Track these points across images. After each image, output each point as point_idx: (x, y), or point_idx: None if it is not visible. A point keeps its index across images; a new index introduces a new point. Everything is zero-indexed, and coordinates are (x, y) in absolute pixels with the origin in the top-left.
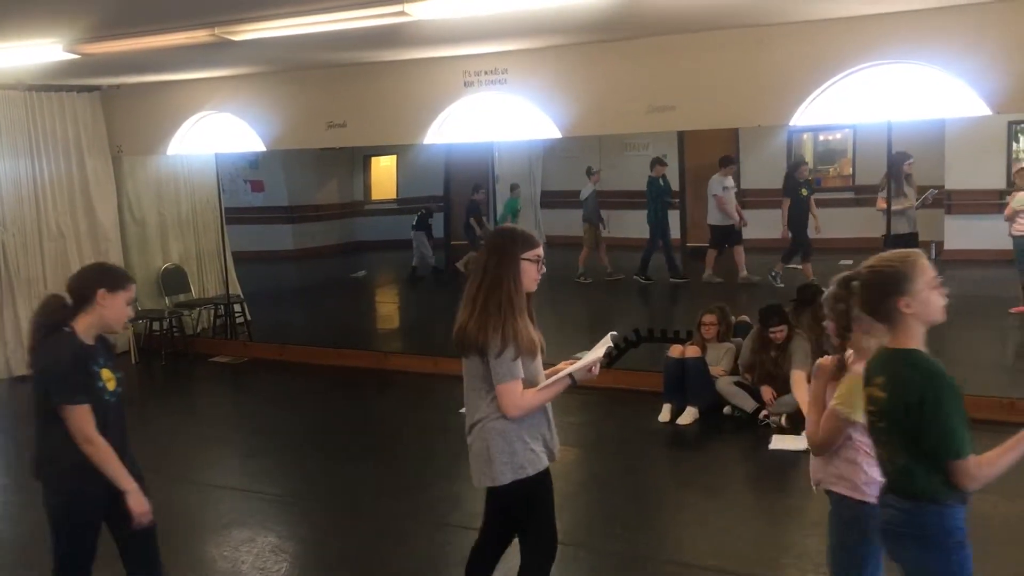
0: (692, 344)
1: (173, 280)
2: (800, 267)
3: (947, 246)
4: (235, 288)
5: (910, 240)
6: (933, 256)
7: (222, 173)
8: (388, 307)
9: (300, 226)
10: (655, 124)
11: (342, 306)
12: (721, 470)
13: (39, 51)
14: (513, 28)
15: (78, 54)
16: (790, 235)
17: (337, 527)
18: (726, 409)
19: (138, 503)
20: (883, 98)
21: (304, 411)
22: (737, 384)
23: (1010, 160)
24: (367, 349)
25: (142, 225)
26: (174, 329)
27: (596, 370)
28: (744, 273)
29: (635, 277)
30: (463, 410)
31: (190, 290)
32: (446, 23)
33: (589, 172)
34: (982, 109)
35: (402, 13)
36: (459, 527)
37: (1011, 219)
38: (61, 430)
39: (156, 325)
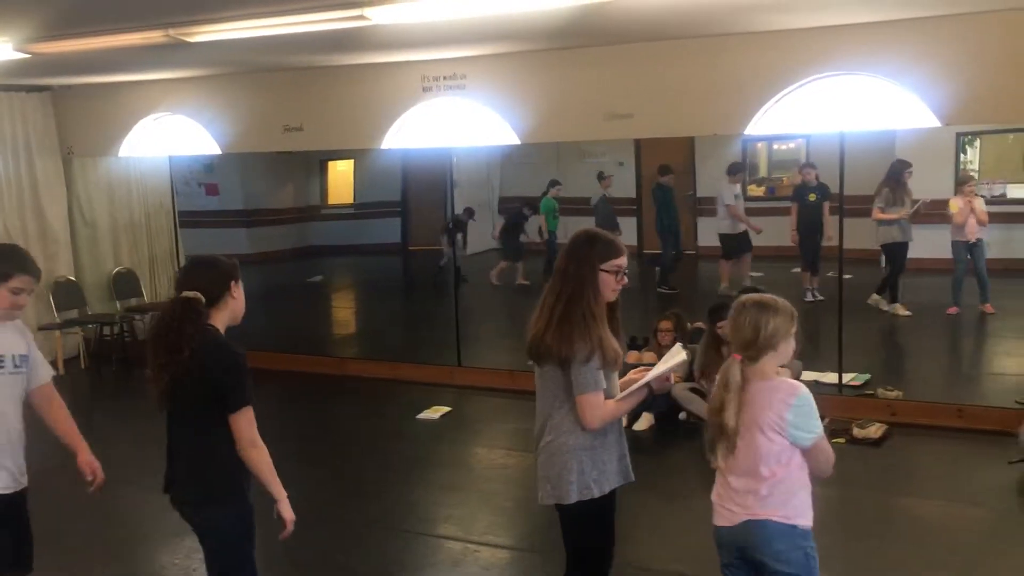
0: (648, 350)
1: (125, 284)
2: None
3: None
4: None
5: (901, 249)
6: (883, 265)
7: (176, 176)
8: (345, 312)
9: (256, 230)
10: (612, 131)
11: (299, 311)
12: (678, 475)
13: None
14: (472, 34)
15: (29, 53)
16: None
17: (292, 533)
18: (681, 415)
19: (289, 511)
20: (836, 109)
21: (259, 417)
22: (692, 390)
23: (957, 171)
24: (324, 354)
25: (93, 227)
26: (125, 334)
27: (672, 379)
28: (748, 282)
29: (658, 289)
30: (421, 415)
31: (142, 294)
32: (405, 27)
33: (600, 177)
34: (931, 121)
35: (361, 17)
36: (415, 533)
37: (984, 223)
38: (226, 438)
39: (107, 330)
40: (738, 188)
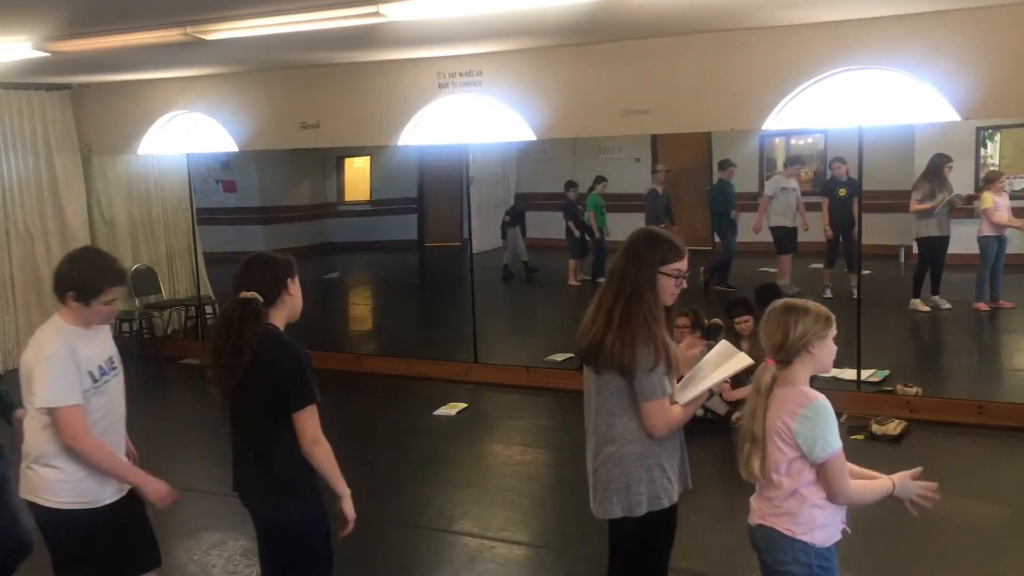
0: None
1: (143, 281)
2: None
3: (915, 250)
4: (206, 289)
5: (937, 243)
6: (902, 261)
7: (193, 173)
8: (361, 309)
9: (272, 227)
10: (629, 127)
11: (315, 308)
12: (693, 473)
13: (8, 49)
14: (488, 30)
15: (48, 52)
16: (831, 235)
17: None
18: (699, 412)
19: (351, 509)
20: (854, 103)
21: None
22: None
23: (978, 165)
24: (341, 351)
25: (112, 225)
26: (144, 331)
27: (729, 381)
28: (784, 282)
29: (716, 287)
30: (437, 412)
31: (160, 291)
32: (421, 24)
33: (653, 171)
34: (951, 115)
35: (376, 14)
36: (431, 529)
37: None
38: (292, 436)
39: (126, 326)
40: (790, 182)
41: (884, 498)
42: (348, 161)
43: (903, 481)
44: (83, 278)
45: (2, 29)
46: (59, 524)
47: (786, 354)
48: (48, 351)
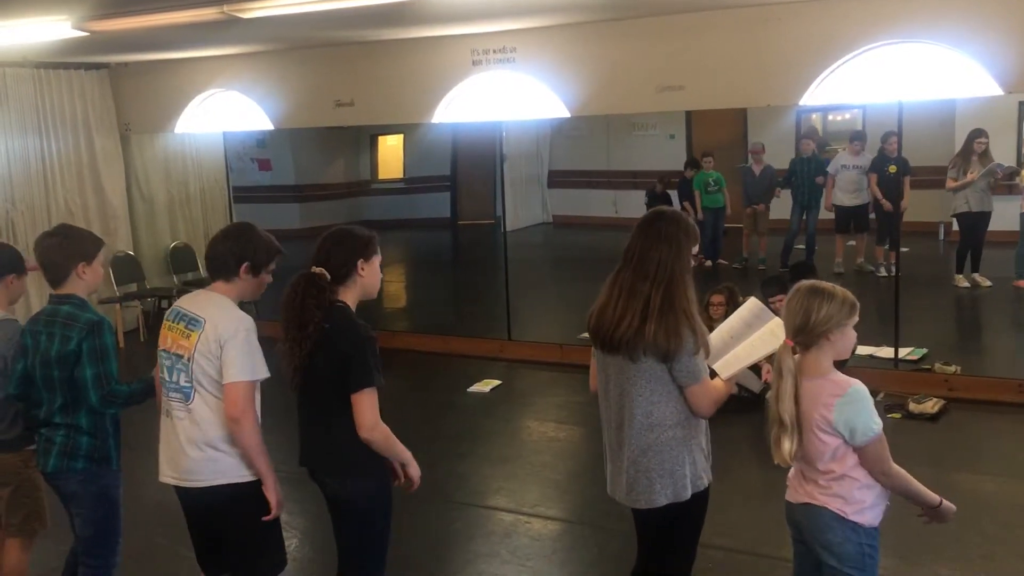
0: None
1: (182, 258)
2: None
3: (955, 227)
4: None
5: (971, 219)
6: (942, 238)
7: (230, 151)
8: (395, 286)
9: (307, 205)
10: (664, 104)
11: None
12: (727, 450)
13: (47, 28)
14: (522, 6)
15: (86, 31)
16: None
17: None
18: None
19: (417, 469)
20: (894, 78)
21: None
22: None
23: (1020, 140)
24: (375, 328)
25: (150, 203)
26: None
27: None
28: (860, 259)
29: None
30: (471, 389)
31: (198, 268)
32: (454, 1)
33: (754, 149)
34: (993, 89)
35: None
36: (466, 504)
37: None
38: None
39: (165, 303)
40: (855, 159)
41: (923, 501)
42: (382, 139)
43: (950, 507)
44: (259, 251)
45: (42, 9)
46: (253, 496)
47: (805, 337)
48: (249, 323)
